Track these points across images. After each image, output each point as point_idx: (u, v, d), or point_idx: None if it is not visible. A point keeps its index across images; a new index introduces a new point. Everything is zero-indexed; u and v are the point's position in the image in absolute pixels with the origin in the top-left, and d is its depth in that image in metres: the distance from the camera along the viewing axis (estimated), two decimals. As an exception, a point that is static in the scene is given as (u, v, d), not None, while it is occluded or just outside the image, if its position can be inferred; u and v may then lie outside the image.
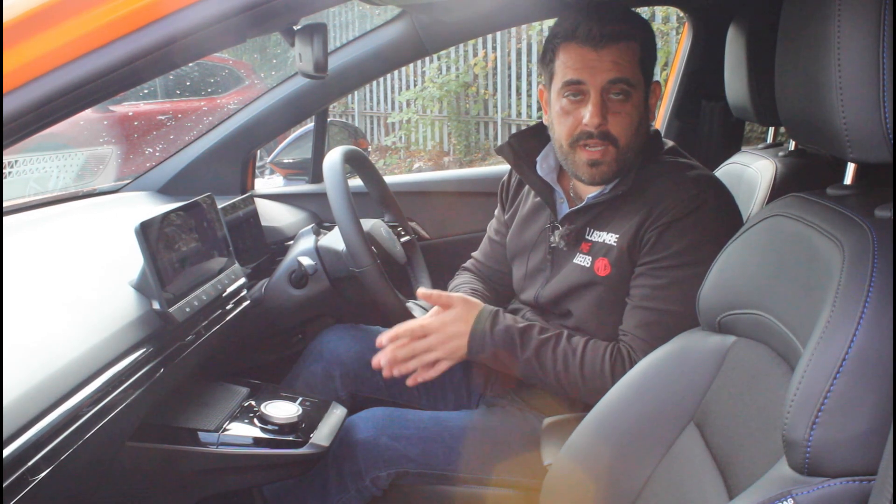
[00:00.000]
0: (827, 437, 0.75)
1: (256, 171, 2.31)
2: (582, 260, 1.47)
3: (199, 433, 1.38)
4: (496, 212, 1.79)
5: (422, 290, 1.47)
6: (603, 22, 1.37)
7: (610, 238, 1.43)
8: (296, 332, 1.99)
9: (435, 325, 1.43)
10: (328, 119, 2.34)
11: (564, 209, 1.54)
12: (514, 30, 7.15)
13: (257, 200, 2.08)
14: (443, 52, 7.40)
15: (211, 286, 1.48)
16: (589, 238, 1.47)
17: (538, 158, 1.56)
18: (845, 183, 0.96)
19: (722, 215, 1.40)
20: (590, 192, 1.49)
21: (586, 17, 1.38)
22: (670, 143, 1.54)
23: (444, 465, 1.50)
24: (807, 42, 0.90)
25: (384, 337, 1.46)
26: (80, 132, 5.28)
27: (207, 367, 1.59)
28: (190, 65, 5.61)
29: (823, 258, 0.85)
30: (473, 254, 1.82)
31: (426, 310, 1.63)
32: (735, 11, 1.92)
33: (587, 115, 1.38)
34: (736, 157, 2.04)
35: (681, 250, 1.36)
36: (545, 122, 1.52)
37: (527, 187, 1.65)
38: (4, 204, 1.87)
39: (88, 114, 5.16)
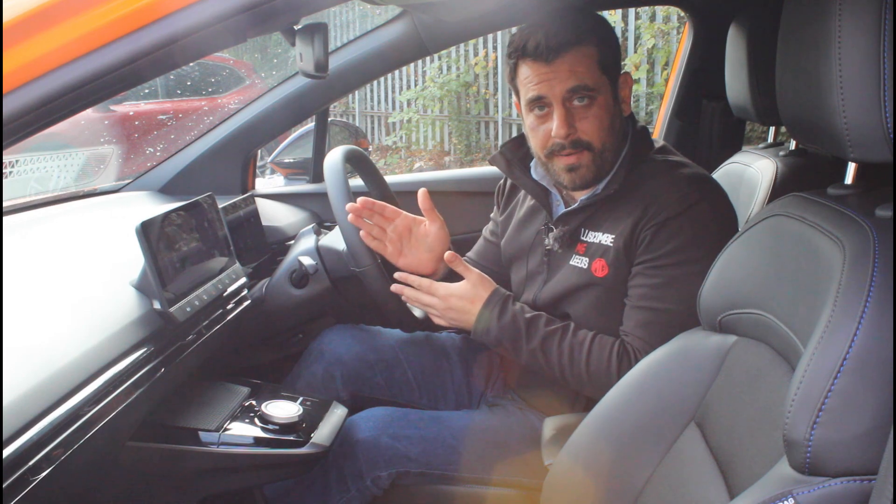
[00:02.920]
0: (828, 436, 0.75)
1: (257, 171, 2.31)
2: (578, 261, 1.47)
3: (200, 433, 1.39)
4: (492, 213, 1.79)
5: (448, 254, 1.47)
6: (549, 34, 1.36)
7: (606, 238, 1.43)
8: (296, 332, 1.99)
9: (441, 293, 1.47)
10: (329, 119, 2.34)
11: (561, 211, 1.54)
12: (514, 29, 7.14)
13: (258, 200, 2.08)
14: (443, 52, 7.39)
15: (212, 286, 1.48)
16: (584, 239, 1.47)
17: (532, 163, 1.56)
18: (846, 182, 0.96)
19: (716, 213, 1.40)
20: (582, 194, 1.49)
21: (534, 31, 1.38)
22: (661, 141, 1.53)
23: (444, 464, 1.50)
24: (807, 42, 0.90)
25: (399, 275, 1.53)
26: (81, 132, 5.27)
27: (208, 367, 1.59)
28: (191, 64, 5.61)
29: (824, 258, 0.85)
30: (468, 253, 1.82)
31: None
32: (736, 11, 1.92)
33: (554, 127, 1.39)
34: (737, 157, 2.04)
35: (676, 248, 1.36)
36: (525, 133, 1.53)
37: (523, 191, 1.65)
38: (5, 203, 1.87)
39: (89, 113, 5.16)
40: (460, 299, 1.46)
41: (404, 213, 1.60)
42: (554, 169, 1.45)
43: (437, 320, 1.50)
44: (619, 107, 1.45)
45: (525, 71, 1.41)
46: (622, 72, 1.46)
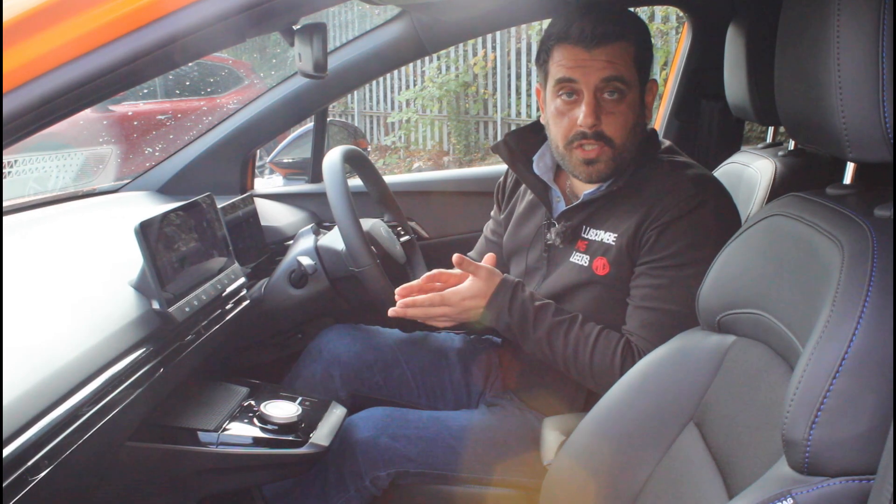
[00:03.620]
0: (826, 436, 0.76)
1: (256, 171, 2.31)
2: (579, 259, 1.47)
3: (199, 433, 1.38)
4: (492, 212, 1.79)
5: (456, 257, 1.45)
6: (596, 22, 1.37)
7: (608, 237, 1.43)
8: (295, 332, 1.99)
9: (454, 300, 1.44)
10: (328, 119, 2.34)
11: (561, 207, 1.54)
12: (513, 29, 7.14)
13: (257, 200, 2.08)
14: (442, 52, 7.39)
15: (210, 286, 1.48)
16: (585, 236, 1.47)
17: (535, 157, 1.57)
18: (845, 182, 0.96)
19: (721, 215, 1.40)
20: (586, 190, 1.49)
21: (580, 17, 1.38)
22: (667, 142, 1.54)
23: (443, 464, 1.50)
24: (806, 42, 0.90)
25: (405, 290, 1.47)
26: (80, 132, 5.27)
27: (207, 367, 1.59)
28: (189, 64, 5.61)
29: (823, 258, 0.85)
30: (469, 253, 1.82)
31: None
32: (734, 11, 1.92)
33: (581, 115, 1.39)
34: (735, 157, 2.04)
35: (680, 250, 1.36)
36: (542, 122, 1.53)
37: (523, 186, 1.65)
38: (4, 204, 1.87)
39: (88, 113, 5.16)
40: (473, 298, 1.43)
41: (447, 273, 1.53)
42: (572, 160, 1.44)
43: (443, 323, 1.47)
44: (644, 111, 1.45)
45: (561, 54, 1.40)
46: (651, 78, 1.47)
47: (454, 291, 1.45)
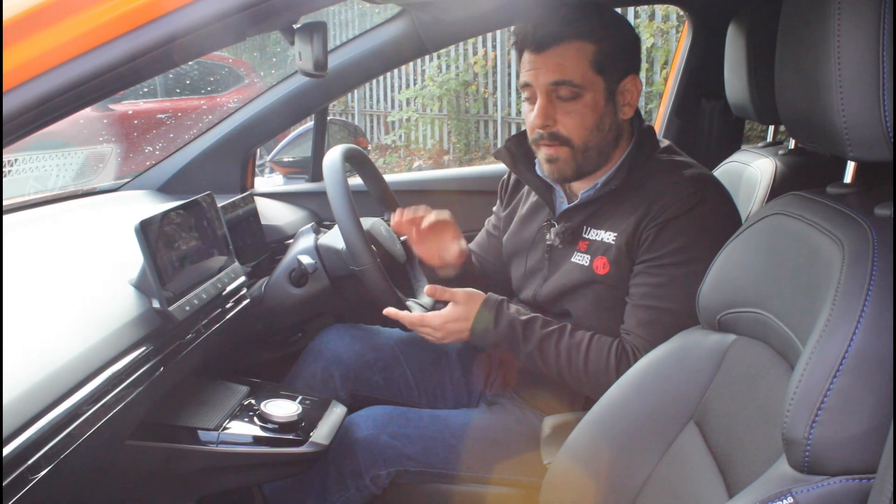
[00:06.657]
0: (827, 435, 0.76)
1: (256, 170, 2.31)
2: (580, 259, 1.47)
3: (199, 432, 1.39)
4: (494, 207, 1.80)
5: (428, 288, 1.50)
6: (541, 25, 1.38)
7: (608, 236, 1.43)
8: (295, 331, 1.99)
9: (435, 324, 1.47)
10: (328, 117, 2.34)
11: (564, 208, 1.54)
12: (514, 28, 7.13)
13: (257, 199, 2.08)
14: (443, 51, 7.39)
15: (211, 285, 1.48)
16: (586, 236, 1.47)
17: (536, 160, 1.56)
18: (845, 181, 0.96)
19: (720, 213, 1.40)
20: (582, 189, 1.49)
21: (530, 21, 1.41)
22: (666, 141, 1.54)
23: (443, 463, 1.50)
24: (807, 40, 0.90)
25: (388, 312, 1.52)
26: (80, 131, 5.27)
27: (207, 366, 1.59)
28: (189, 63, 5.61)
29: (823, 257, 0.85)
30: (470, 245, 1.83)
31: (426, 308, 1.63)
32: (735, 10, 1.92)
33: (532, 116, 1.42)
34: (736, 156, 2.04)
35: (679, 248, 1.36)
36: None
37: (526, 187, 1.65)
38: (4, 203, 1.87)
39: (88, 112, 5.16)
40: (455, 322, 1.46)
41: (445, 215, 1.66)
42: (539, 159, 1.48)
43: (436, 342, 1.51)
44: (614, 108, 1.43)
45: (524, 58, 1.45)
46: (631, 74, 1.43)
47: (435, 315, 1.47)
